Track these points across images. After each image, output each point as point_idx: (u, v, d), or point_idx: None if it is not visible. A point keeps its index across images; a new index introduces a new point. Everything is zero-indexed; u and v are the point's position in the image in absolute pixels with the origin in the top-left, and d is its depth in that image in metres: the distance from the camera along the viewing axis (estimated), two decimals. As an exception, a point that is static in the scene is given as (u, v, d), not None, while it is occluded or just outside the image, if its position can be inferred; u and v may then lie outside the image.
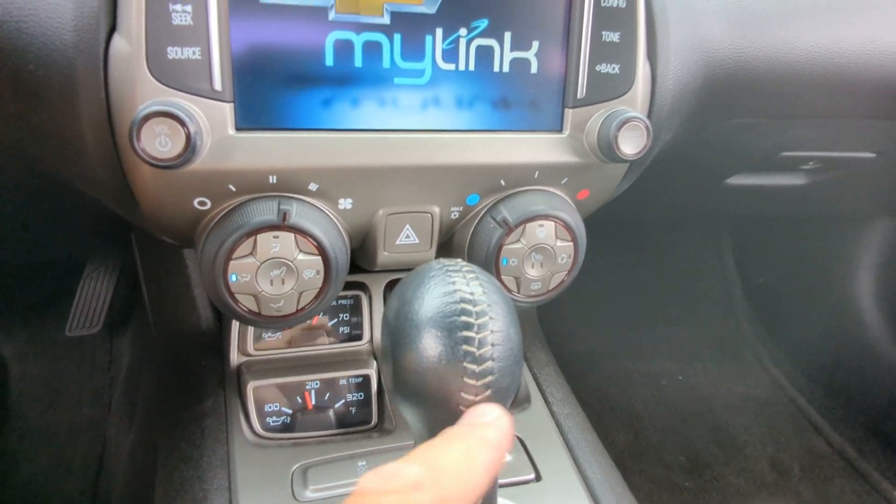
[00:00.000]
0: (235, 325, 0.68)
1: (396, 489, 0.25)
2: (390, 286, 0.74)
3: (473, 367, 0.33)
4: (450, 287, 0.36)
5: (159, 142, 0.42)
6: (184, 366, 0.72)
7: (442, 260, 0.39)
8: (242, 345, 0.68)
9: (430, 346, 0.34)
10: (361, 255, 0.60)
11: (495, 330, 0.35)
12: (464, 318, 0.35)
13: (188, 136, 0.42)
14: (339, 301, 0.72)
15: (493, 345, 0.35)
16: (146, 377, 0.97)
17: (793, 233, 1.40)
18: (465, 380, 0.33)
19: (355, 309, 0.72)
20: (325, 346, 0.71)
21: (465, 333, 0.34)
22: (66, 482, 1.12)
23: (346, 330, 0.72)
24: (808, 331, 1.44)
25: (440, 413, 0.35)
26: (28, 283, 1.30)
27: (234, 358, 0.68)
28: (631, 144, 0.53)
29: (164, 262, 0.78)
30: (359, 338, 0.72)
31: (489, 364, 0.34)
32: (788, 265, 1.49)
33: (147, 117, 0.41)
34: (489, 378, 0.33)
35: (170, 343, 0.77)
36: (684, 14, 0.59)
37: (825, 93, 0.69)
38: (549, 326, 0.94)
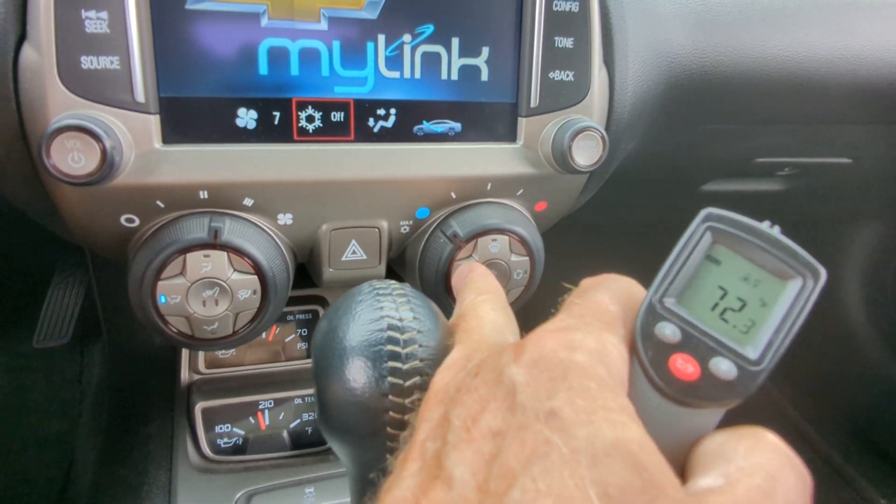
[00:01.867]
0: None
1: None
2: (348, 300, 0.72)
3: (398, 400, 0.31)
4: (377, 313, 0.34)
5: (72, 157, 0.39)
6: (135, 385, 0.69)
7: (373, 282, 0.37)
8: (193, 363, 0.66)
9: (353, 377, 0.32)
10: (311, 269, 0.58)
11: (424, 358, 0.33)
12: (390, 347, 0.32)
13: (104, 152, 0.39)
14: (297, 316, 0.69)
15: (421, 376, 0.32)
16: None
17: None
18: (392, 414, 0.31)
19: (313, 324, 0.70)
20: (281, 364, 0.68)
21: (392, 364, 0.32)
22: (30, 498, 1.09)
23: (304, 346, 0.70)
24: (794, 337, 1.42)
25: (367, 450, 0.32)
26: (-9, 294, 1.27)
27: (185, 376, 0.66)
28: (586, 155, 0.50)
29: (118, 275, 0.75)
30: (310, 355, 0.70)
31: (416, 397, 0.31)
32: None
33: (57, 132, 0.38)
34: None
35: (123, 360, 0.75)
36: (644, 17, 0.57)
37: (796, 98, 0.67)
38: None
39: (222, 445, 0.63)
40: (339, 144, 0.49)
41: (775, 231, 0.27)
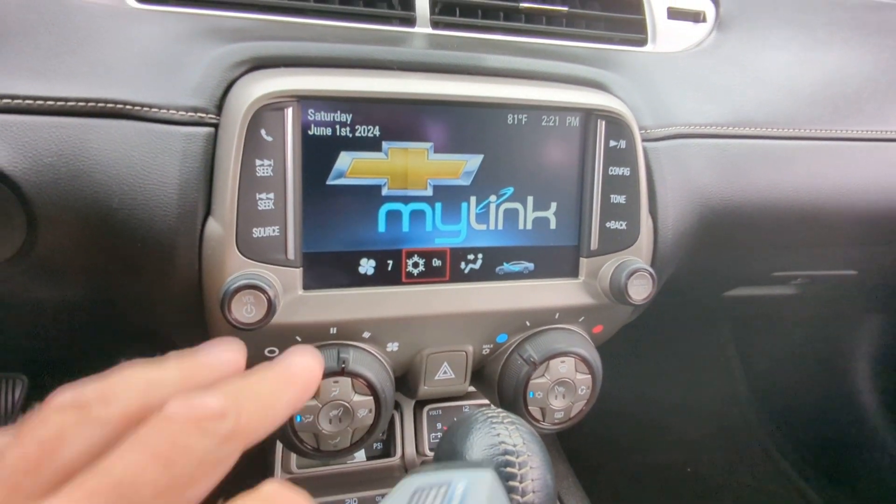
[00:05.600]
0: (280, 444, 0.74)
1: (200, 416, 0.26)
2: (420, 405, 0.81)
3: None
4: (495, 439, 0.44)
5: (246, 310, 0.50)
6: (227, 483, 0.77)
7: (485, 411, 0.46)
8: (286, 463, 0.74)
9: None
10: (401, 384, 0.67)
11: (535, 478, 0.42)
12: (508, 469, 0.42)
13: (269, 303, 0.50)
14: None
15: (533, 491, 0.42)
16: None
17: (791, 327, 1.47)
18: None
19: (388, 426, 0.78)
20: (360, 463, 0.77)
21: (510, 483, 0.41)
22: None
23: (379, 446, 0.78)
24: (812, 421, 1.48)
25: None
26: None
27: (279, 476, 0.74)
28: (639, 291, 0.61)
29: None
30: (390, 454, 0.78)
31: None
32: (789, 357, 1.55)
33: (236, 290, 0.49)
34: None
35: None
36: (679, 171, 0.69)
37: (806, 227, 0.79)
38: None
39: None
40: (437, 285, 0.60)
41: None
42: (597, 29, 0.75)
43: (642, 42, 0.77)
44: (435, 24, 0.69)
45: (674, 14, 0.79)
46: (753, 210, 0.75)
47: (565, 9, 0.74)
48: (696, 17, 0.80)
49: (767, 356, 1.59)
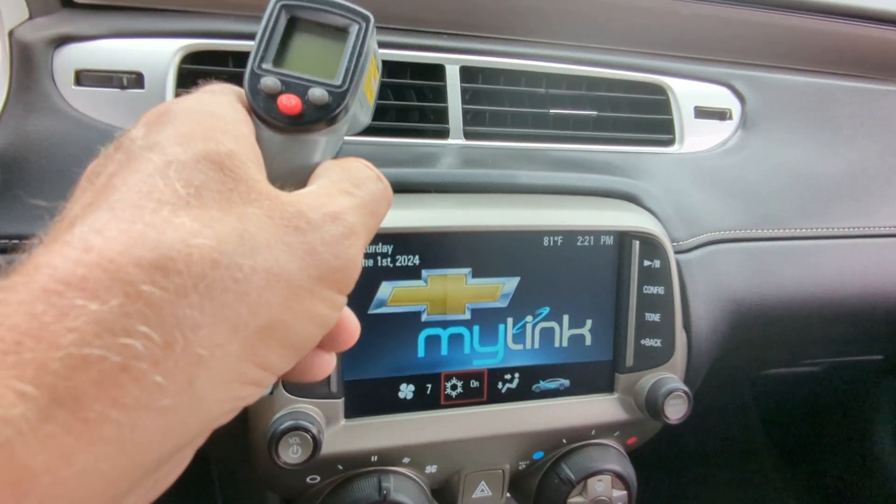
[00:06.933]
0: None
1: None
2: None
3: None
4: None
5: (292, 450, 0.50)
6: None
7: None
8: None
9: None
10: (437, 496, 0.67)
11: None
12: None
13: (315, 441, 0.51)
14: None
15: None
16: None
17: (813, 388, 1.47)
18: None
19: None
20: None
21: None
22: None
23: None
24: (836, 481, 1.46)
25: None
26: None
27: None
28: (675, 411, 0.61)
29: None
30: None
31: None
32: (811, 417, 1.53)
33: (283, 433, 0.50)
34: None
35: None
36: (711, 282, 0.69)
37: (836, 324, 0.79)
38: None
39: None
40: (475, 407, 0.60)
41: None
42: (625, 131, 0.77)
43: (670, 142, 0.78)
44: (467, 135, 0.70)
45: (701, 113, 0.80)
46: (783, 310, 0.75)
47: (594, 113, 0.75)
48: (723, 115, 0.81)
49: (789, 416, 1.58)
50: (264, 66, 0.33)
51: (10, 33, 0.55)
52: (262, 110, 0.32)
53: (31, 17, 0.58)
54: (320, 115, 0.32)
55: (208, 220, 0.24)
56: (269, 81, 0.32)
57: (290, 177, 0.31)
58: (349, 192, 0.30)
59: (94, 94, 0.58)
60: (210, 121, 0.27)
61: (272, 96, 0.32)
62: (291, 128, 0.32)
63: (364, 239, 0.30)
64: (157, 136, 0.26)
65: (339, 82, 0.33)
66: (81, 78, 0.58)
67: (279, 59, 0.33)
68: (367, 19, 0.34)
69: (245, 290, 0.24)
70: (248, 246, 0.24)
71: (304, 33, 0.34)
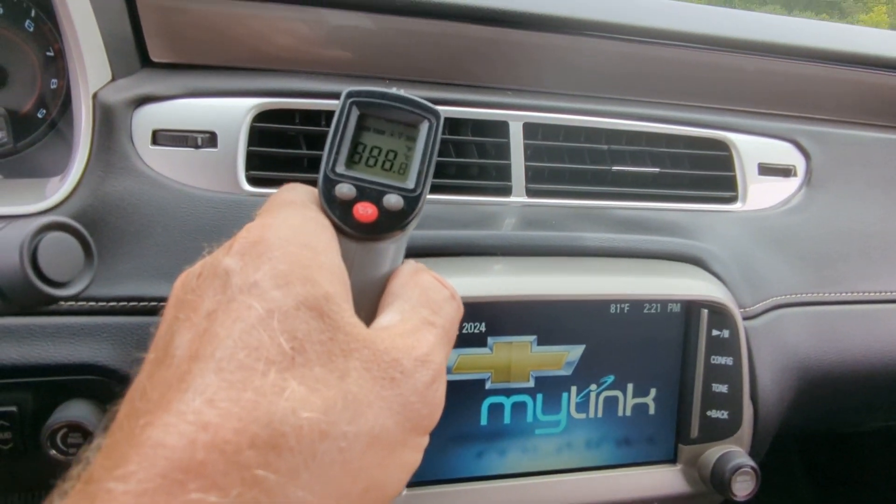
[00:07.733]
0: None
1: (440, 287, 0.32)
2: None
3: None
4: None
5: None
6: None
7: None
8: None
9: None
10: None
11: None
12: None
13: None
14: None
15: None
16: None
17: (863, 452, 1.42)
18: None
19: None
20: None
21: None
22: None
23: None
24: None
25: None
26: None
27: None
28: (743, 488, 0.59)
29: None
30: None
31: None
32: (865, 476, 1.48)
33: None
34: None
35: None
36: (778, 349, 0.67)
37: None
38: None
39: None
40: (536, 477, 0.59)
41: (400, 91, 0.33)
42: (686, 188, 0.75)
43: (732, 199, 0.77)
44: (529, 192, 0.70)
45: (764, 170, 0.78)
46: (850, 376, 0.73)
47: (656, 170, 0.74)
48: (787, 172, 0.80)
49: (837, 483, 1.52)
50: (338, 169, 0.32)
51: (94, 95, 0.56)
52: (339, 219, 0.31)
53: (113, 79, 0.60)
54: (395, 223, 0.32)
55: (314, 383, 0.24)
56: (345, 189, 0.31)
57: (367, 287, 0.31)
58: (431, 323, 0.30)
59: (169, 153, 0.59)
60: (306, 256, 0.27)
61: (347, 204, 0.31)
62: (366, 237, 0.32)
63: (444, 374, 0.30)
64: (254, 275, 0.25)
65: (412, 185, 0.32)
66: (158, 138, 0.59)
67: (350, 161, 0.33)
68: (437, 116, 0.33)
69: (348, 459, 0.24)
70: (351, 410, 0.24)
71: (372, 132, 0.33)
